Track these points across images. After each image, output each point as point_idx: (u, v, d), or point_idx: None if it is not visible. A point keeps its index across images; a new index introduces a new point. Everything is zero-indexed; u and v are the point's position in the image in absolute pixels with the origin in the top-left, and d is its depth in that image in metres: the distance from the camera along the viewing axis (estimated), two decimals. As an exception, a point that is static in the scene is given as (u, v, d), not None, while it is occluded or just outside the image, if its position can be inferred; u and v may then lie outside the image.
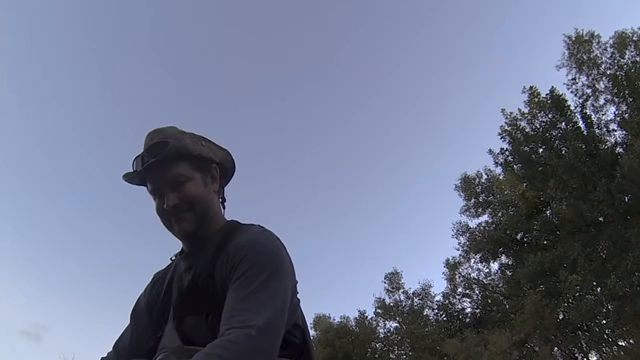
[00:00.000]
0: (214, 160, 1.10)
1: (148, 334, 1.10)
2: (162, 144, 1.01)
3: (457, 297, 23.90)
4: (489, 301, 23.09)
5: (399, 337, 25.05)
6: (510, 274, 20.61)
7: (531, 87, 17.55)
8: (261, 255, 0.95)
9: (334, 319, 27.39)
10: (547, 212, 18.58)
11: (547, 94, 17.00)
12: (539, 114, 17.36)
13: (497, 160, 18.77)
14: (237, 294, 0.90)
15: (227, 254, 0.98)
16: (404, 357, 24.90)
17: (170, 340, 0.99)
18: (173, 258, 1.17)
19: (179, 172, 1.02)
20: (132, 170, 1.05)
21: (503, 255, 21.10)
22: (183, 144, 1.03)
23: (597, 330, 17.74)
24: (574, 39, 17.11)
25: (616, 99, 16.71)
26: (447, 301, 23.80)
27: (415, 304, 24.95)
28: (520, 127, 17.71)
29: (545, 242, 18.65)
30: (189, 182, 1.03)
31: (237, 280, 0.92)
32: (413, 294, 25.13)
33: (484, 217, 21.89)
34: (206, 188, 1.07)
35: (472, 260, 22.83)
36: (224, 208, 1.16)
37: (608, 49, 16.75)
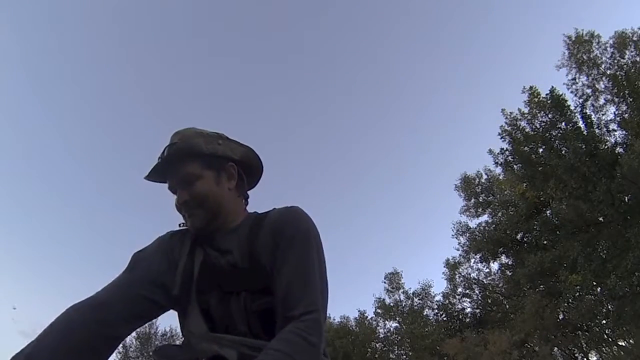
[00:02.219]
0: (231, 157, 1.13)
1: (139, 297, 1.01)
2: (171, 146, 1.08)
3: (457, 297, 23.92)
4: (489, 301, 23.10)
5: (399, 337, 25.06)
6: (510, 274, 20.61)
7: (531, 87, 17.54)
8: (300, 222, 1.02)
9: (334, 319, 27.41)
10: (547, 212, 18.57)
11: (547, 94, 16.98)
12: (539, 114, 17.34)
13: (497, 160, 18.77)
14: (292, 269, 0.95)
15: (265, 229, 1.02)
16: (404, 357, 24.91)
17: (195, 325, 0.99)
18: (181, 225, 1.15)
19: (188, 171, 1.06)
20: (150, 173, 1.10)
21: (503, 255, 21.10)
22: (191, 144, 1.08)
23: (597, 330, 17.75)
24: (574, 39, 17.10)
25: (616, 99, 16.69)
26: (447, 301, 23.82)
27: (415, 304, 24.96)
28: (520, 127, 17.69)
29: (545, 242, 18.65)
30: (199, 180, 1.07)
31: (285, 251, 0.97)
32: (413, 294, 25.17)
33: (484, 217, 21.93)
34: (218, 186, 1.09)
35: (472, 260, 22.87)
36: (246, 204, 1.19)
37: (608, 49, 16.75)
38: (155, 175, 1.10)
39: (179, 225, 1.15)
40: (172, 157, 1.06)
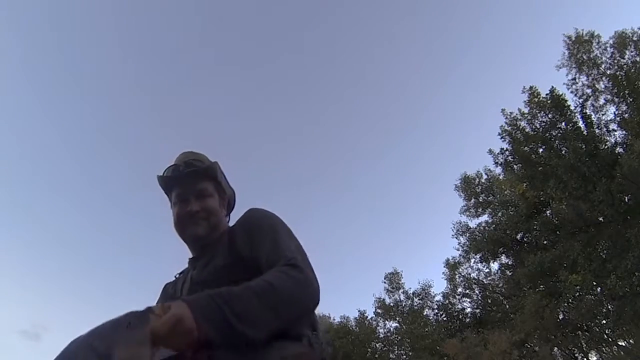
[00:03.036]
0: (226, 192, 1.37)
1: None
2: (199, 162, 1.29)
3: (457, 297, 23.92)
4: (489, 301, 23.09)
5: (399, 337, 25.05)
6: (510, 274, 20.60)
7: (531, 87, 17.54)
8: (261, 213, 1.23)
9: (334, 319, 27.40)
10: (547, 212, 18.57)
11: (547, 94, 16.98)
12: (539, 114, 17.34)
13: (497, 160, 18.76)
14: (268, 244, 1.10)
15: (239, 231, 1.19)
16: (404, 357, 24.90)
17: None
18: (177, 275, 1.36)
19: (206, 187, 1.27)
20: (170, 175, 1.29)
21: (503, 255, 21.09)
22: (214, 169, 1.31)
23: (597, 330, 17.74)
24: (574, 39, 17.10)
25: (616, 99, 16.69)
26: (447, 301, 23.80)
27: (415, 304, 24.95)
28: (520, 127, 17.69)
29: (545, 242, 18.64)
30: (211, 197, 1.28)
31: (258, 235, 1.13)
32: (413, 294, 25.15)
33: (484, 217, 21.92)
34: (220, 208, 1.31)
35: (472, 260, 22.85)
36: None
37: (608, 49, 16.75)
38: (169, 181, 1.29)
39: (175, 276, 1.36)
40: (194, 173, 1.26)
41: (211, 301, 0.87)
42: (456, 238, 22.65)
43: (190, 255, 1.31)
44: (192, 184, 1.26)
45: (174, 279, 1.36)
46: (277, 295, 0.92)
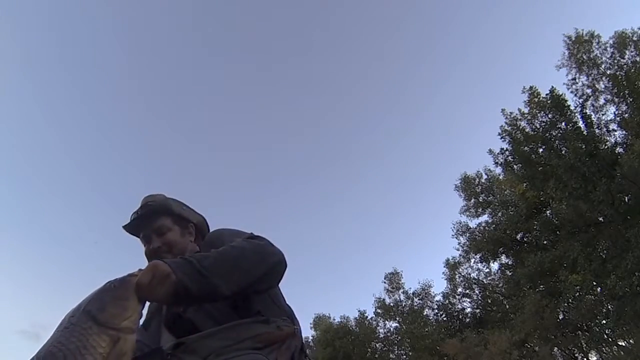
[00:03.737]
0: (190, 220, 1.48)
1: None
2: (150, 204, 1.42)
3: (457, 297, 23.92)
4: (489, 301, 23.09)
5: (399, 337, 25.05)
6: (510, 274, 20.60)
7: (531, 87, 17.54)
8: (223, 229, 1.40)
9: (334, 319, 27.43)
10: (547, 212, 18.56)
11: (547, 94, 16.98)
12: (539, 114, 17.34)
13: (497, 160, 18.76)
14: (227, 242, 1.19)
15: (205, 249, 1.25)
16: (404, 357, 24.90)
17: (164, 340, 1.19)
18: None
19: (162, 223, 1.39)
20: (128, 222, 1.40)
21: (503, 255, 21.09)
22: (166, 205, 1.43)
23: (597, 330, 17.73)
24: (574, 39, 17.10)
25: (616, 99, 16.69)
26: (447, 301, 23.80)
27: (415, 304, 24.95)
28: (520, 127, 17.69)
29: (545, 242, 18.64)
30: (170, 231, 1.39)
31: (221, 242, 1.20)
32: (413, 294, 25.15)
33: (484, 217, 21.92)
34: (183, 238, 1.42)
35: (472, 260, 22.86)
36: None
37: (608, 49, 16.74)
38: (131, 227, 1.41)
39: None
40: (149, 213, 1.39)
41: (181, 259, 1.01)
42: (456, 238, 22.67)
43: None
44: (150, 224, 1.38)
45: None
46: (240, 253, 1.10)
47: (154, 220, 1.38)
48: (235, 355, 1.01)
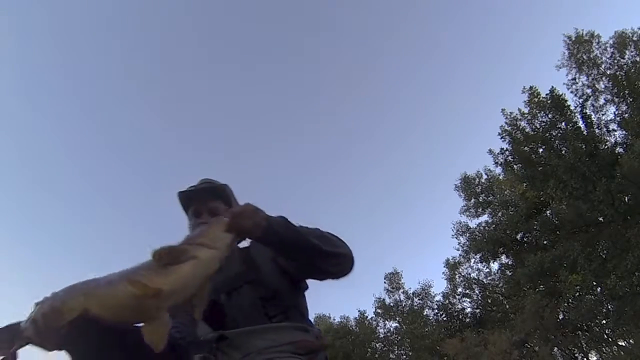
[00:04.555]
0: None
1: None
2: (211, 183, 1.52)
3: (457, 297, 23.92)
4: (489, 301, 23.09)
5: (399, 337, 25.06)
6: (510, 274, 20.60)
7: (531, 87, 17.54)
8: None
9: (334, 319, 27.41)
10: (547, 212, 18.56)
11: (547, 94, 16.98)
12: (539, 114, 17.34)
13: (497, 160, 18.75)
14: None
15: (254, 245, 1.37)
16: (404, 357, 24.91)
17: (203, 330, 1.25)
18: None
19: (217, 205, 1.46)
20: (186, 190, 1.49)
21: (503, 255, 21.09)
22: (225, 191, 1.51)
23: (597, 330, 17.74)
24: (574, 39, 17.10)
25: (616, 99, 16.70)
26: (447, 301, 23.81)
27: (415, 304, 24.96)
28: (520, 127, 17.69)
29: (545, 242, 18.64)
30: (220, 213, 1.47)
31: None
32: (413, 294, 25.15)
33: (484, 217, 21.91)
34: None
35: (472, 260, 22.86)
36: None
37: (608, 49, 16.75)
38: (187, 196, 1.48)
39: None
40: (209, 191, 1.48)
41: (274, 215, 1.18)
42: (456, 238, 22.67)
43: None
44: (205, 202, 1.46)
45: None
46: (327, 233, 1.27)
47: (211, 199, 1.46)
48: (277, 357, 1.09)
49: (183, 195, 1.49)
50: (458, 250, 22.89)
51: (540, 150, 17.34)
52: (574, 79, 17.13)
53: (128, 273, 0.96)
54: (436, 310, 24.19)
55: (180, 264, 0.96)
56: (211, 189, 1.49)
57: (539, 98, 17.24)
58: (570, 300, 17.09)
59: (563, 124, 16.77)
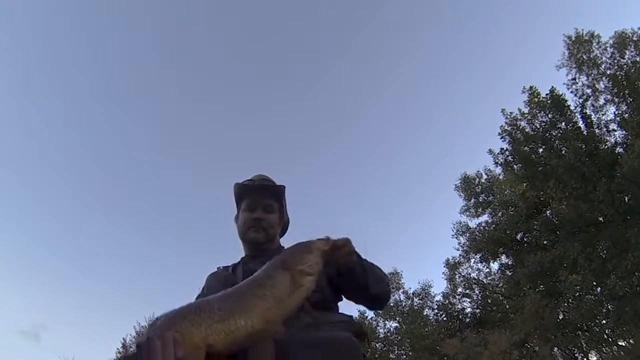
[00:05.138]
0: (285, 216, 1.64)
1: None
2: (271, 181, 1.59)
3: (457, 297, 23.92)
4: (489, 301, 23.10)
5: (399, 337, 25.05)
6: (510, 274, 20.61)
7: (531, 87, 17.54)
8: None
9: (334, 319, 27.36)
10: (547, 212, 18.57)
11: (547, 94, 16.98)
12: (539, 114, 17.35)
13: (497, 160, 18.75)
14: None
15: None
16: (404, 357, 24.90)
17: None
18: (221, 268, 1.56)
19: (272, 203, 1.54)
20: (246, 184, 1.56)
21: (503, 255, 21.10)
22: (281, 192, 1.59)
23: (597, 330, 17.74)
24: (574, 39, 17.11)
25: (616, 99, 16.70)
26: (447, 301, 23.81)
27: (415, 304, 24.95)
28: (520, 127, 17.69)
29: (545, 242, 18.64)
30: (274, 213, 1.55)
31: None
32: (413, 294, 25.14)
33: (484, 217, 21.92)
34: (277, 227, 1.57)
35: (472, 260, 22.86)
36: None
37: (608, 49, 16.75)
38: (245, 188, 1.56)
39: (218, 267, 1.58)
40: (267, 188, 1.56)
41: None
42: (456, 238, 22.67)
43: (243, 255, 1.57)
44: (261, 198, 1.53)
45: (217, 270, 1.56)
46: (381, 272, 1.42)
47: (267, 196, 1.54)
48: (332, 329, 1.18)
49: (241, 187, 1.57)
50: (458, 250, 22.92)
51: (540, 150, 17.35)
52: (574, 79, 17.15)
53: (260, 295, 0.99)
54: (436, 310, 24.19)
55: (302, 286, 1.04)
56: (268, 187, 1.56)
57: (539, 98, 17.24)
58: (570, 300, 17.08)
59: (563, 124, 16.77)
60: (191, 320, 0.91)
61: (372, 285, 1.33)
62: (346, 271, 1.27)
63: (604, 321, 16.88)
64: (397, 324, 25.31)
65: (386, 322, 25.98)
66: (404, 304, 25.20)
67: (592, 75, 16.97)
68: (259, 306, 0.97)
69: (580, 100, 16.93)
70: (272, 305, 0.98)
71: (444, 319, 23.54)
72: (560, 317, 17.79)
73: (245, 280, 1.07)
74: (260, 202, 1.51)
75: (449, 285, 23.81)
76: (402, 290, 25.56)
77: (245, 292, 1.01)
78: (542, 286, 17.80)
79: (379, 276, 1.38)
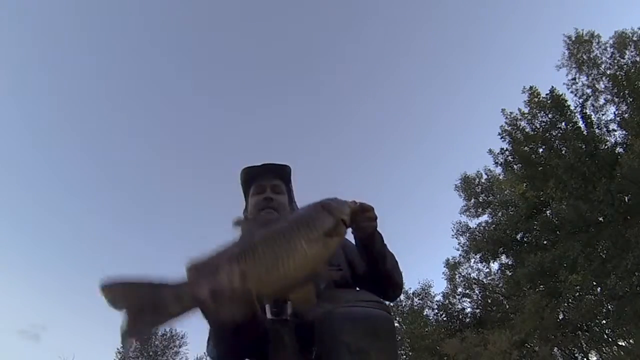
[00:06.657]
0: (294, 200, 1.62)
1: None
2: (283, 165, 1.58)
3: (457, 297, 23.93)
4: (489, 301, 23.10)
5: (399, 337, 25.05)
6: (510, 274, 20.61)
7: (531, 87, 17.52)
8: None
9: (334, 319, 27.33)
10: (547, 212, 18.56)
11: (547, 94, 16.97)
12: (539, 114, 17.33)
13: (497, 160, 18.74)
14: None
15: None
16: (404, 357, 24.91)
17: None
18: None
19: (280, 184, 1.54)
20: (251, 167, 1.55)
21: (503, 255, 21.09)
22: (289, 174, 1.60)
23: (597, 330, 17.74)
24: (574, 39, 17.10)
25: (616, 99, 16.68)
26: (447, 301, 23.82)
27: (415, 304, 24.96)
28: (520, 127, 17.68)
29: (545, 242, 18.63)
30: (283, 195, 1.54)
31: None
32: (413, 294, 25.15)
33: (484, 217, 21.93)
34: (286, 208, 1.55)
35: (472, 260, 22.86)
36: None
37: (608, 49, 16.74)
38: (254, 171, 1.55)
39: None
40: (275, 169, 1.55)
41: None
42: (456, 238, 22.69)
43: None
44: (271, 178, 1.53)
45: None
46: (396, 263, 1.45)
47: (275, 179, 1.54)
48: (370, 306, 1.18)
49: (247, 171, 1.56)
50: (458, 250, 22.94)
51: (540, 150, 17.33)
52: (574, 79, 17.13)
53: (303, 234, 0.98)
54: (436, 310, 24.21)
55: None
56: (275, 167, 1.56)
57: (539, 98, 17.23)
58: (570, 300, 17.08)
59: (563, 124, 16.76)
60: (243, 263, 0.92)
61: (394, 275, 1.38)
62: (365, 237, 1.29)
63: (604, 321, 16.88)
64: (396, 324, 25.33)
65: (386, 322, 26.00)
66: (403, 304, 25.20)
67: (592, 75, 16.96)
68: (307, 249, 0.96)
69: (580, 100, 16.92)
70: (320, 248, 0.99)
71: (444, 319, 23.54)
72: (560, 317, 17.79)
73: (290, 219, 1.07)
74: (268, 183, 1.52)
75: (449, 285, 23.85)
76: (402, 290, 25.60)
77: (291, 233, 0.99)
78: (542, 286, 17.80)
79: (395, 264, 1.42)
